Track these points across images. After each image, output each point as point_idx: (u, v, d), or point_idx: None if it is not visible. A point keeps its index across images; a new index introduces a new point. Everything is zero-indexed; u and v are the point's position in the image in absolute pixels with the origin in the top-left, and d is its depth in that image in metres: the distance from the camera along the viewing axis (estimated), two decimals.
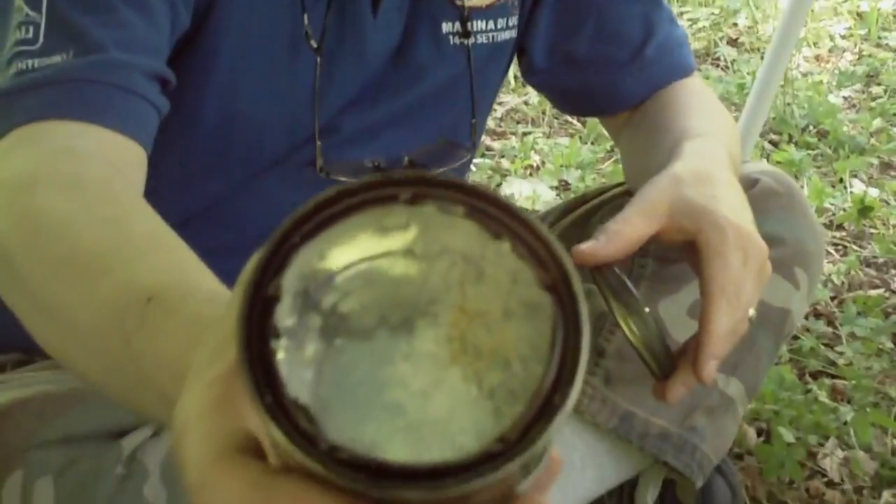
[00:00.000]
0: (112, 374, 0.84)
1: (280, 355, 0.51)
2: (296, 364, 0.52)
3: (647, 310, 1.18)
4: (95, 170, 1.02)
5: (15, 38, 1.10)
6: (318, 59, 1.33)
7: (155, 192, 1.30)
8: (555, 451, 0.55)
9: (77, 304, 0.87)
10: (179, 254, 0.89)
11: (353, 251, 0.53)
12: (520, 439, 0.49)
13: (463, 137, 1.55)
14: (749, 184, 1.52)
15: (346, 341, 0.53)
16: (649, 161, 1.44)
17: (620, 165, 3.16)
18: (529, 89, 3.85)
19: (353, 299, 0.53)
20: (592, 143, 3.50)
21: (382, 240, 0.53)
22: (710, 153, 1.30)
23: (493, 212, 0.53)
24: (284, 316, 0.52)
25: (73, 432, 1.19)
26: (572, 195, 2.98)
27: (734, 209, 1.19)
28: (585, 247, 1.13)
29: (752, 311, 1.19)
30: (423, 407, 0.52)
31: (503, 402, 0.52)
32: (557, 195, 3.15)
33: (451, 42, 1.47)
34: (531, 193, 3.10)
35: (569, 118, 3.72)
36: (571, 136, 3.60)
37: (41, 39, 1.10)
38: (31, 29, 1.10)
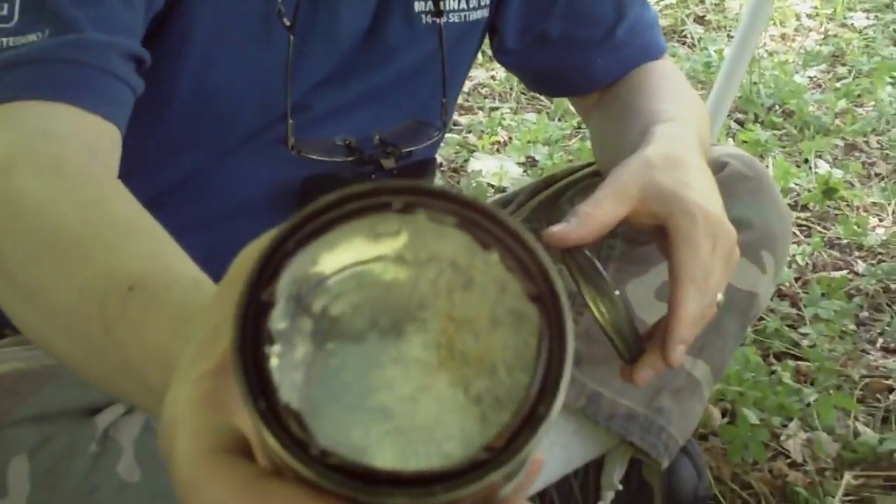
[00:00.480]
0: (91, 360, 0.84)
1: (273, 361, 0.51)
2: (286, 367, 0.52)
3: (616, 292, 1.18)
4: (73, 153, 1.01)
5: None
6: (291, 38, 1.33)
7: (129, 168, 1.30)
8: (536, 455, 0.55)
9: (57, 288, 0.87)
10: (160, 239, 0.89)
11: (344, 256, 0.54)
12: (505, 448, 0.50)
13: (434, 116, 1.55)
14: (717, 167, 1.53)
15: (336, 344, 0.53)
16: (619, 143, 1.44)
17: (588, 143, 3.19)
18: (497, 64, 3.84)
19: (343, 302, 0.54)
20: (560, 120, 3.50)
21: (374, 245, 0.54)
22: (681, 138, 1.30)
23: (483, 222, 0.53)
24: (277, 321, 0.52)
25: (47, 410, 1.19)
26: (540, 171, 3.00)
27: (704, 194, 1.20)
28: (556, 229, 1.13)
29: (720, 296, 1.20)
30: (411, 411, 0.52)
31: (489, 409, 0.52)
32: (524, 172, 3.15)
33: (424, 21, 1.46)
34: (498, 169, 3.10)
35: (536, 94, 3.71)
36: (539, 111, 3.61)
37: (16, 17, 1.09)
38: (6, 6, 1.09)
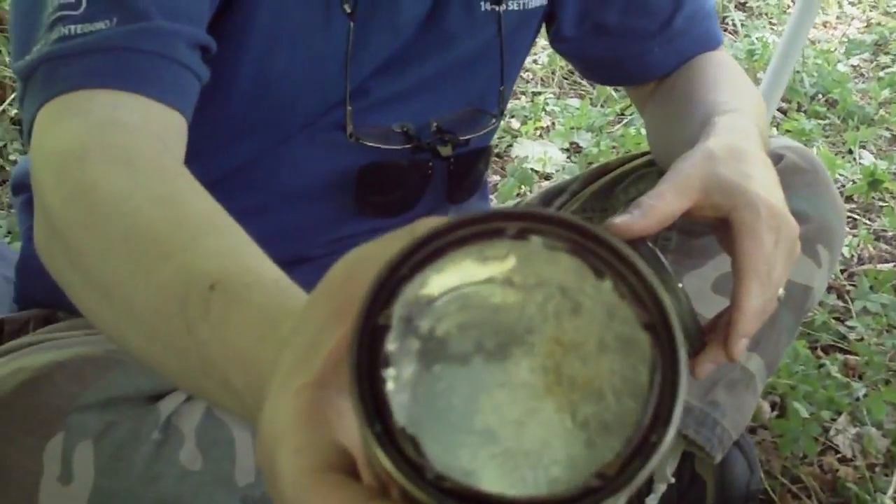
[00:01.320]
0: (170, 358, 0.84)
1: (389, 385, 0.52)
2: (397, 389, 0.53)
3: (680, 285, 1.17)
4: (144, 144, 1.01)
5: (57, 1, 1.09)
6: (352, 25, 1.32)
7: (187, 153, 1.30)
8: None
9: (134, 285, 0.87)
10: (237, 237, 0.89)
11: (453, 278, 0.54)
12: (617, 475, 0.50)
13: (490, 104, 1.55)
14: (774, 159, 1.51)
15: (443, 366, 0.53)
16: (677, 133, 1.43)
17: (632, 129, 3.19)
18: (539, 48, 3.83)
19: (450, 322, 0.54)
20: (602, 106, 3.49)
21: (482, 268, 0.54)
22: (743, 129, 1.29)
23: (597, 249, 0.54)
24: (390, 343, 0.53)
25: (111, 395, 1.19)
26: (585, 158, 2.99)
27: (767, 187, 1.19)
28: (619, 220, 1.13)
29: (781, 290, 1.19)
30: (518, 435, 0.52)
31: (596, 434, 0.52)
32: (568, 158, 3.14)
33: (483, 8, 1.46)
34: (542, 155, 3.09)
35: (578, 79, 3.70)
36: (581, 97, 3.59)
37: (84, 4, 1.08)
38: None
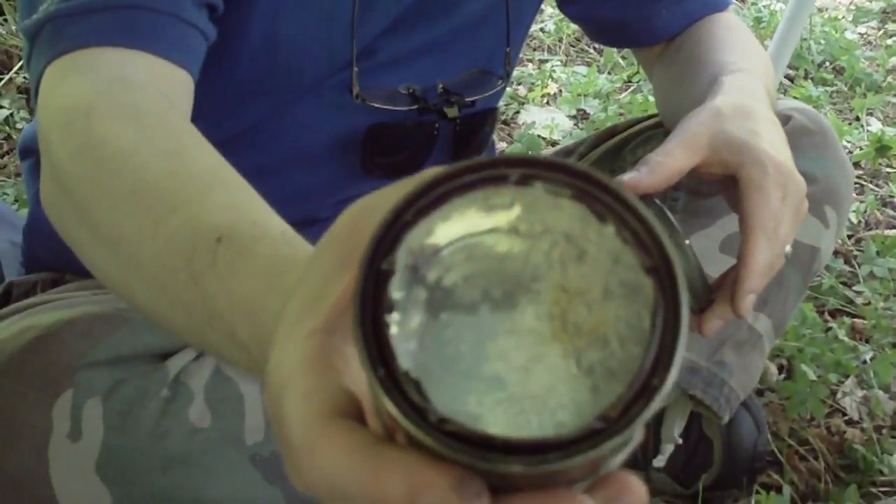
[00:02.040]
0: (177, 311, 0.84)
1: (393, 329, 0.52)
2: (403, 335, 0.53)
3: (687, 242, 1.17)
4: (151, 101, 1.01)
5: None
6: None
7: (195, 114, 1.30)
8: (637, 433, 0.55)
9: (142, 239, 0.87)
10: (244, 191, 0.89)
11: (458, 227, 0.54)
12: (620, 418, 0.50)
13: (497, 66, 1.55)
14: (782, 121, 1.51)
15: (450, 314, 0.54)
16: (685, 94, 1.43)
17: (639, 96, 3.19)
18: (546, 16, 3.83)
19: (457, 273, 0.54)
20: (609, 73, 3.49)
21: (488, 217, 0.54)
22: (750, 88, 1.29)
23: (600, 195, 0.53)
24: (395, 290, 0.53)
25: (120, 353, 1.19)
26: (592, 124, 2.99)
27: (774, 145, 1.19)
28: (627, 178, 1.13)
29: (788, 248, 1.19)
30: (524, 381, 0.53)
31: (601, 380, 0.53)
32: (575, 125, 3.14)
33: None
34: (549, 122, 3.08)
35: (585, 46, 3.70)
36: (588, 64, 3.59)
37: None
38: None
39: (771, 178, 1.15)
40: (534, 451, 0.49)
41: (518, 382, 0.53)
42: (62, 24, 1.07)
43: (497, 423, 0.52)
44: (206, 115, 1.34)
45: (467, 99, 1.49)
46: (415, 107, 1.44)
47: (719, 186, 1.23)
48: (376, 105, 1.41)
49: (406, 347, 0.52)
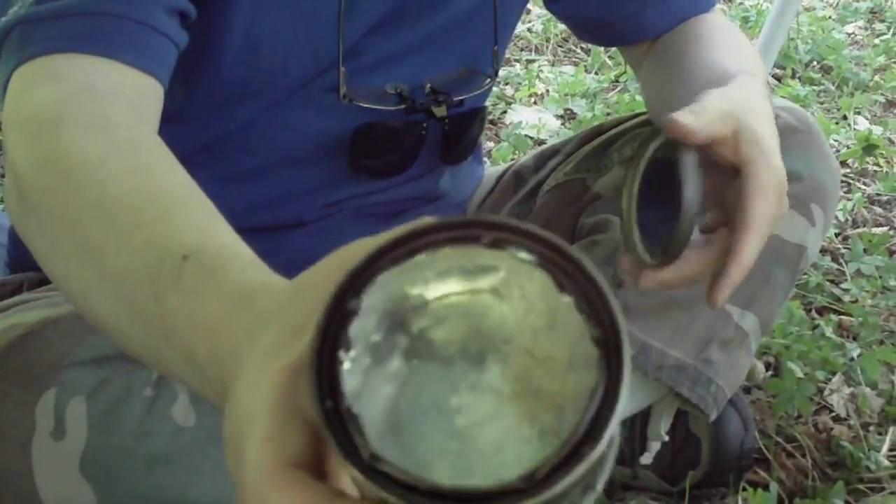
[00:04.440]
0: (135, 326, 0.83)
1: (346, 365, 0.54)
2: (374, 378, 0.55)
3: (707, 214, 1.19)
4: (119, 113, 1.01)
5: None
6: None
7: (181, 116, 1.30)
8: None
9: (105, 253, 0.86)
10: (212, 214, 0.88)
11: (445, 284, 0.57)
12: (544, 479, 0.51)
13: (484, 65, 1.55)
14: None
15: (422, 364, 0.56)
16: (677, 94, 1.43)
17: (626, 96, 3.19)
18: (534, 16, 3.83)
19: (439, 326, 0.57)
20: (597, 73, 3.49)
21: (471, 276, 0.57)
22: (758, 91, 1.30)
23: (562, 263, 0.55)
24: (369, 333, 0.55)
25: (104, 352, 1.19)
26: (578, 124, 2.99)
27: (777, 150, 1.20)
28: (681, 117, 1.13)
29: None
30: (476, 436, 0.55)
31: (549, 445, 0.54)
32: (563, 124, 3.14)
33: None
34: (536, 122, 3.08)
35: (573, 46, 3.70)
36: (576, 64, 3.59)
37: None
38: None
39: (774, 184, 1.16)
40: (458, 500, 0.51)
41: (471, 437, 0.55)
42: (31, 28, 1.07)
43: (442, 471, 0.54)
44: (193, 119, 1.34)
45: (455, 98, 1.49)
46: (402, 106, 1.44)
47: (712, 173, 1.23)
48: (363, 105, 1.41)
49: (382, 392, 0.55)
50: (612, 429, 0.51)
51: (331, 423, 0.52)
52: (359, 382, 0.54)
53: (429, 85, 1.48)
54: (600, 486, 0.57)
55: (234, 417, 0.61)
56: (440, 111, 1.47)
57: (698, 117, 1.14)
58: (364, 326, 0.55)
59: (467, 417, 0.55)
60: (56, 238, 0.92)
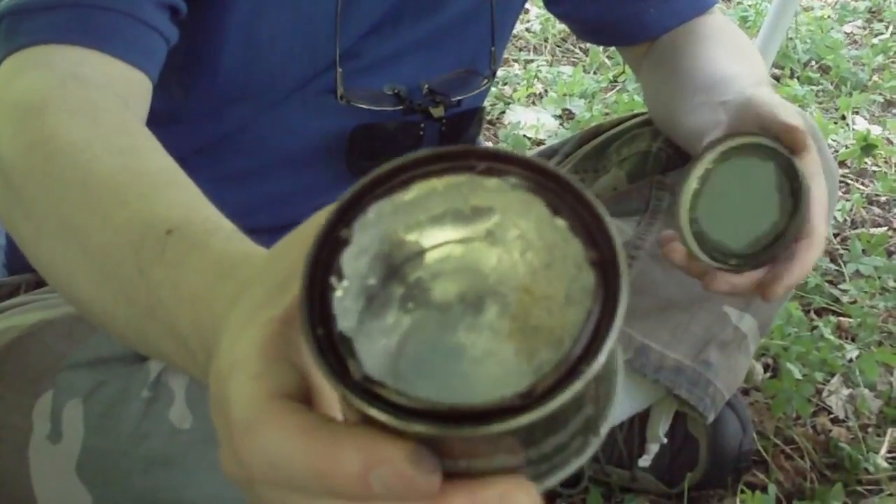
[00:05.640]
0: (119, 303, 0.83)
1: (337, 293, 0.53)
2: (370, 330, 0.55)
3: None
4: (106, 99, 1.02)
5: None
6: None
7: (180, 119, 1.30)
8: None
9: (89, 231, 0.86)
10: (196, 192, 0.88)
11: (440, 230, 0.57)
12: (540, 397, 0.50)
13: (482, 65, 1.54)
14: None
15: (420, 308, 0.56)
16: (679, 97, 1.44)
17: (625, 95, 3.18)
18: (532, 16, 3.83)
19: (437, 278, 0.56)
20: (595, 73, 3.49)
21: (467, 222, 0.57)
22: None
23: (556, 189, 0.55)
24: (355, 269, 0.55)
25: (101, 354, 1.19)
26: (577, 124, 2.98)
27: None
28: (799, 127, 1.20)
29: None
30: (475, 373, 0.54)
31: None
32: (561, 124, 3.14)
33: None
34: (535, 122, 3.08)
35: (571, 46, 3.70)
36: (574, 64, 3.59)
37: None
38: None
39: (826, 202, 1.23)
40: (455, 419, 0.50)
41: (470, 374, 0.54)
42: (20, 19, 1.07)
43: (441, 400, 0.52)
44: (191, 120, 1.34)
45: (453, 99, 1.50)
46: (400, 107, 1.44)
47: None
48: (361, 106, 1.40)
49: (381, 343, 0.54)
50: (610, 347, 0.51)
51: (322, 350, 0.52)
52: (353, 327, 0.53)
53: (426, 86, 1.48)
54: (603, 430, 0.57)
55: (219, 368, 0.60)
56: (438, 112, 1.47)
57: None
58: (357, 264, 0.54)
59: (466, 356, 0.54)
60: (41, 220, 0.92)
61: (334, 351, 0.52)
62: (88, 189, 0.89)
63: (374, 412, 0.50)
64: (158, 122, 1.13)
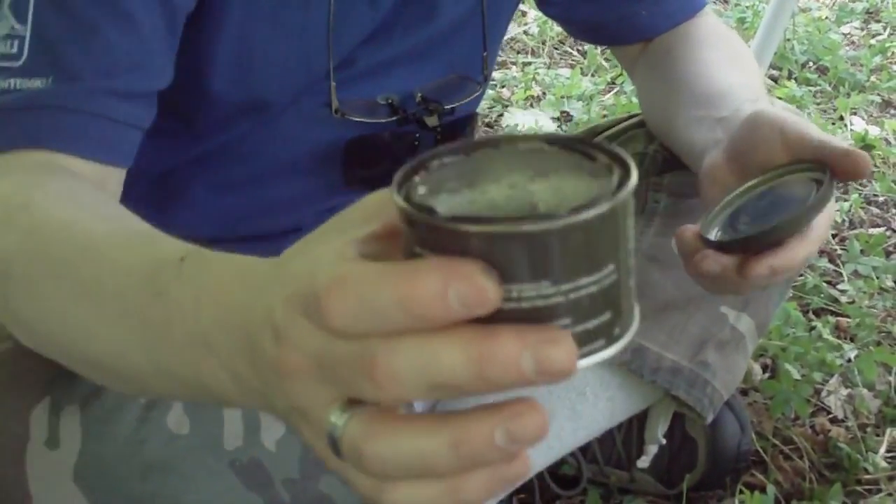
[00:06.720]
0: (135, 333, 0.83)
1: (417, 178, 0.63)
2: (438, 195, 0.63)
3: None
4: (82, 185, 1.05)
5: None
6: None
7: (177, 133, 1.31)
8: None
9: (100, 278, 0.88)
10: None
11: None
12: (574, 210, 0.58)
13: (474, 71, 1.55)
14: None
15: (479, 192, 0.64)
16: (675, 101, 1.45)
17: (623, 98, 3.19)
18: (530, 18, 3.83)
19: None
20: (593, 75, 3.49)
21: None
22: None
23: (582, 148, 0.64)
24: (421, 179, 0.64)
25: None
26: (575, 126, 2.99)
27: None
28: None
29: None
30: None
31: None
32: (559, 127, 3.14)
33: None
34: (533, 124, 3.09)
35: (569, 48, 3.71)
36: (572, 66, 3.59)
37: (24, 55, 1.10)
38: (16, 43, 1.10)
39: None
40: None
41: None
42: None
43: None
44: (187, 133, 1.34)
45: (446, 106, 1.49)
46: (394, 118, 1.44)
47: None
48: (356, 119, 1.41)
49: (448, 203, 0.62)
50: (630, 188, 0.59)
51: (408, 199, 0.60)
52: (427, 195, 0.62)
53: (419, 94, 1.48)
54: (628, 325, 0.63)
55: (298, 268, 0.64)
56: (432, 121, 1.47)
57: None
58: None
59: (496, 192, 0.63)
60: (48, 295, 0.94)
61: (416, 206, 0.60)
62: (89, 251, 0.91)
63: (454, 224, 0.57)
64: (156, 135, 1.14)
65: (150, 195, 1.40)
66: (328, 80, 1.36)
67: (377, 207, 0.66)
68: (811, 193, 1.15)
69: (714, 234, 1.20)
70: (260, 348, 0.66)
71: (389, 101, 1.45)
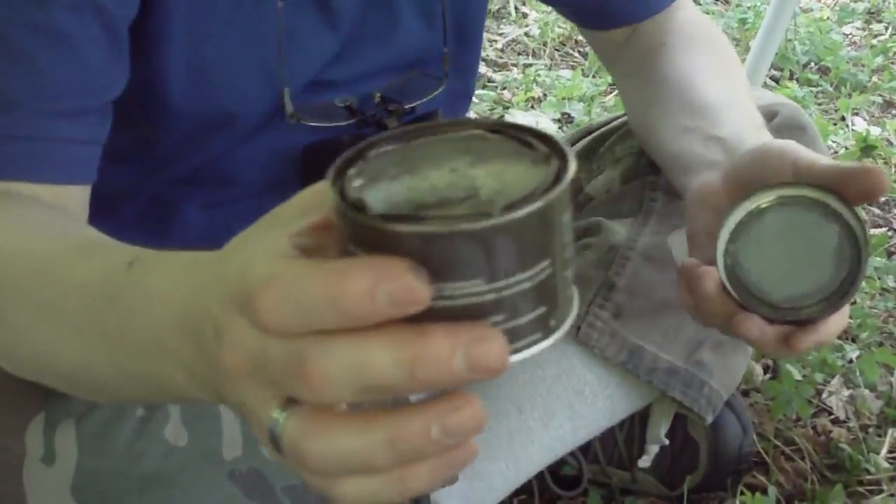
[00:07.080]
0: (95, 345, 0.85)
1: (352, 172, 0.63)
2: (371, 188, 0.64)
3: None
4: (36, 204, 1.07)
5: None
6: (280, 4, 1.28)
7: (148, 152, 1.30)
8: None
9: (56, 300, 0.90)
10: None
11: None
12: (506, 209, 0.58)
13: (435, 68, 1.50)
14: (769, 115, 1.51)
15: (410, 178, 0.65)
16: (659, 114, 1.46)
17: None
18: (531, 20, 3.83)
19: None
20: (594, 76, 3.49)
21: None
22: None
23: (519, 135, 0.66)
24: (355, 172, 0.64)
25: None
26: (576, 128, 2.98)
27: None
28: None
29: None
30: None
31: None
32: (560, 128, 3.15)
33: None
34: (534, 126, 3.08)
35: (570, 50, 3.71)
36: (573, 68, 3.59)
37: None
38: None
39: None
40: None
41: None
42: None
43: None
44: (160, 147, 1.34)
45: (406, 106, 1.46)
46: (353, 120, 1.42)
47: None
48: (312, 124, 1.38)
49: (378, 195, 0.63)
50: (564, 184, 0.59)
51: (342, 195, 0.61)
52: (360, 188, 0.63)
53: (378, 94, 1.45)
54: (560, 321, 0.64)
55: (234, 268, 0.65)
56: (392, 122, 1.43)
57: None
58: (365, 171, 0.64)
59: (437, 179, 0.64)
60: (13, 321, 0.96)
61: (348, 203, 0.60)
62: (43, 273, 0.93)
63: (383, 223, 0.58)
64: (128, 155, 1.15)
65: (145, 216, 1.40)
66: (283, 87, 1.34)
67: (316, 198, 0.67)
68: (839, 243, 1.11)
69: (728, 266, 1.13)
70: (206, 345, 0.67)
71: (347, 103, 1.42)
